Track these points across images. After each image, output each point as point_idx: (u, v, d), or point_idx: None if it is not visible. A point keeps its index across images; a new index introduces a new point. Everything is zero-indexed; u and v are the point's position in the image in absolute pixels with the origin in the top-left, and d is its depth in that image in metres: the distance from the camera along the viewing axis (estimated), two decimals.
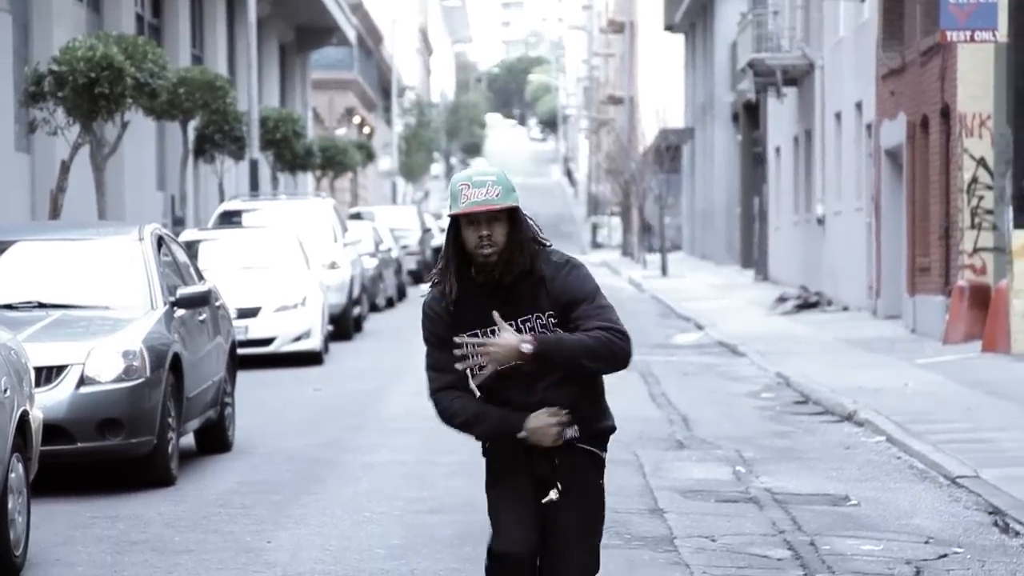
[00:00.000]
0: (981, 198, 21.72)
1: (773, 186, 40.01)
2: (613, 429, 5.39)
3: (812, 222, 34.08)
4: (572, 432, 5.24)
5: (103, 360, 10.95)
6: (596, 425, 5.31)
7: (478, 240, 5.14)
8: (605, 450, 5.36)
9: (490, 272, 5.17)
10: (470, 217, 5.13)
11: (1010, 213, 20.05)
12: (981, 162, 21.67)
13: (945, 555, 9.01)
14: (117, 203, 26.41)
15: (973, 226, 21.75)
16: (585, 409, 5.28)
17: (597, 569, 5.31)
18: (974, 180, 21.78)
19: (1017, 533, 9.65)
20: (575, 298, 5.20)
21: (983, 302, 20.76)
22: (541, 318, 5.21)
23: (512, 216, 5.18)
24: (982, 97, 21.53)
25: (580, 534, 5.26)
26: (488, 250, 5.14)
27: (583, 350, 5.13)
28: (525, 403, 5.22)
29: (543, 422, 5.20)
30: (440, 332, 5.26)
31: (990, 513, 10.28)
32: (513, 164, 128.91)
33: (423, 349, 5.39)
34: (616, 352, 5.18)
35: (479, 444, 5.41)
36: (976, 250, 21.72)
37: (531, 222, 5.27)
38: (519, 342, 5.10)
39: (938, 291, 23.17)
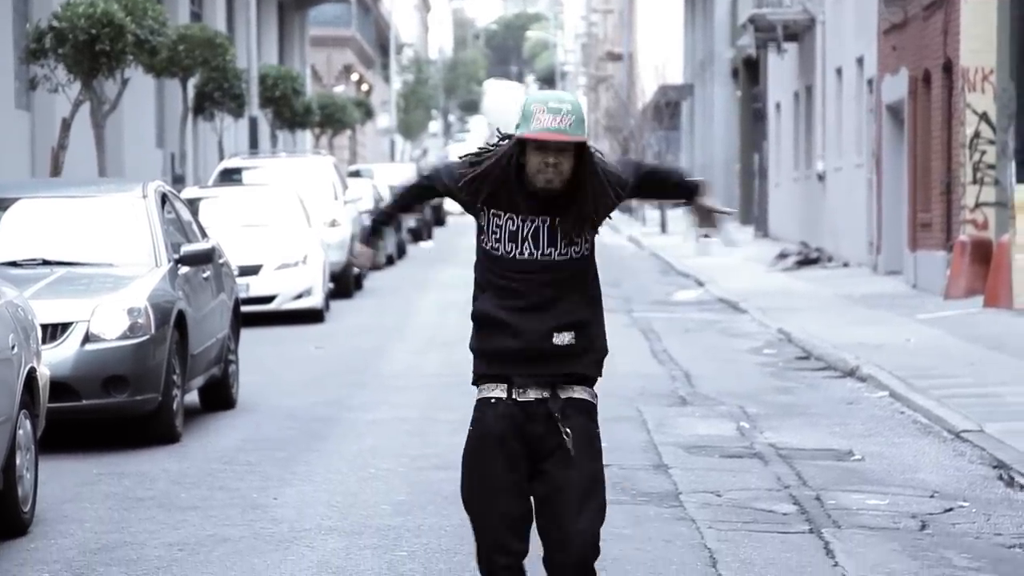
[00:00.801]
0: (983, 153, 21.68)
1: (773, 142, 39.95)
2: (607, 351, 5.39)
3: (812, 178, 34.04)
4: (569, 338, 5.22)
5: (108, 317, 10.95)
6: (598, 342, 5.30)
7: (543, 166, 5.13)
8: (595, 392, 5.34)
9: (546, 195, 5.16)
10: (539, 142, 5.11)
11: (1012, 168, 20.03)
12: (983, 117, 21.62)
13: (950, 509, 9.04)
14: (117, 161, 26.36)
15: (975, 181, 21.72)
16: (590, 323, 5.27)
17: (602, 521, 5.29)
18: (976, 135, 21.74)
19: (1022, 487, 9.68)
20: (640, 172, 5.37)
21: (985, 257, 20.75)
22: (567, 224, 5.21)
23: (580, 150, 5.16)
24: (985, 51, 21.47)
25: (584, 495, 5.24)
26: (552, 177, 5.13)
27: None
28: (532, 303, 5.20)
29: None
30: (446, 180, 5.28)
31: (995, 467, 10.30)
32: (510, 120, 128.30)
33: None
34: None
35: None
36: (978, 205, 21.70)
37: (598, 155, 5.26)
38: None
39: (939, 246, 23.16)
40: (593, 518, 5.26)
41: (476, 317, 5.31)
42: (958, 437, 11.36)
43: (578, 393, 5.27)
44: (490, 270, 5.25)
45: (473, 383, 5.38)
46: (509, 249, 5.21)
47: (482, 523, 5.29)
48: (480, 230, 5.29)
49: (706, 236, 5.59)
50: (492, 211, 5.22)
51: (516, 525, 5.26)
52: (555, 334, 5.21)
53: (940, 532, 8.46)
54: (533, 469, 5.27)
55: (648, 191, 5.45)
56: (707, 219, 5.52)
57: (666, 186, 5.48)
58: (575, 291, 5.28)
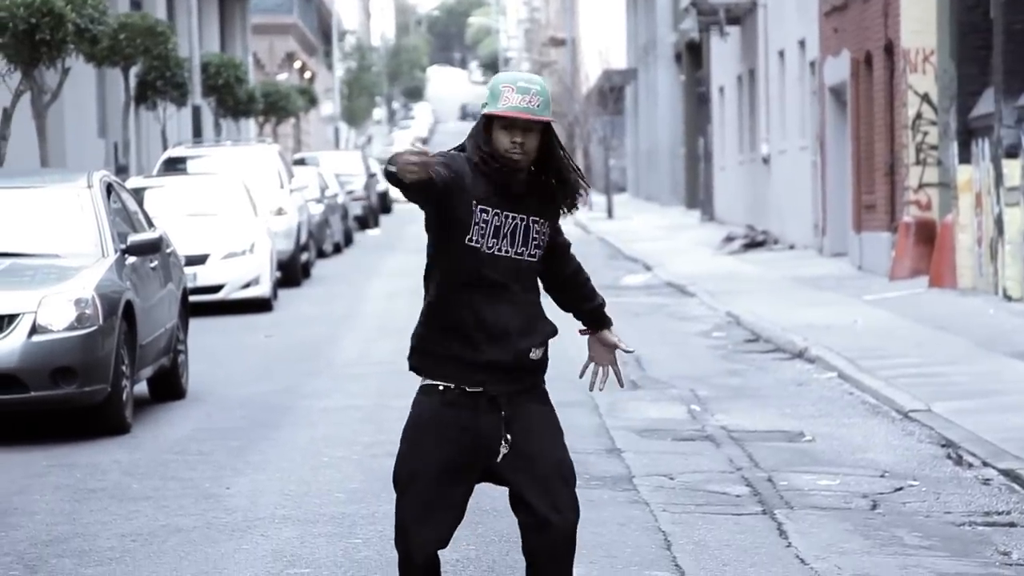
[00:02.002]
0: (925, 134, 21.82)
1: (717, 126, 40.07)
2: (556, 331, 5.35)
3: (757, 161, 34.17)
4: (538, 354, 5.22)
5: (55, 308, 10.88)
6: (548, 329, 5.29)
7: (511, 144, 5.13)
8: (544, 377, 5.31)
9: (510, 175, 5.16)
10: (506, 121, 5.12)
11: (955, 148, 20.16)
12: (925, 98, 21.75)
13: (901, 488, 9.10)
14: (59, 151, 26.16)
15: (918, 162, 21.85)
16: (541, 318, 5.28)
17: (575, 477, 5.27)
18: (918, 116, 21.87)
19: (970, 465, 9.76)
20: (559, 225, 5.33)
21: (929, 238, 20.89)
22: (539, 223, 5.23)
23: (545, 131, 5.19)
24: (925, 32, 21.59)
25: (559, 466, 5.21)
26: (518, 156, 5.14)
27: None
28: (488, 313, 5.16)
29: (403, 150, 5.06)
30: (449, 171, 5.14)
31: (943, 446, 10.38)
32: (454, 108, 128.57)
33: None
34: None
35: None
36: (921, 186, 21.84)
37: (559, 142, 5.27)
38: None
39: (884, 228, 23.30)
40: (572, 492, 5.23)
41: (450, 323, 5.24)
42: (906, 417, 11.44)
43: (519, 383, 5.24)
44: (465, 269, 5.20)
45: (414, 369, 5.28)
46: (491, 245, 5.19)
47: (408, 500, 5.19)
48: (452, 224, 5.18)
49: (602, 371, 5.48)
50: (480, 206, 5.19)
51: (443, 510, 5.18)
52: (533, 349, 5.22)
53: (891, 511, 8.52)
54: (488, 465, 5.19)
55: (553, 265, 5.36)
56: (608, 355, 5.47)
57: (576, 284, 5.46)
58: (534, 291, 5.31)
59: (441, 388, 5.20)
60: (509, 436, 5.17)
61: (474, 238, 5.17)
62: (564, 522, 5.18)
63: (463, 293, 5.19)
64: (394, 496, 5.26)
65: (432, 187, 5.06)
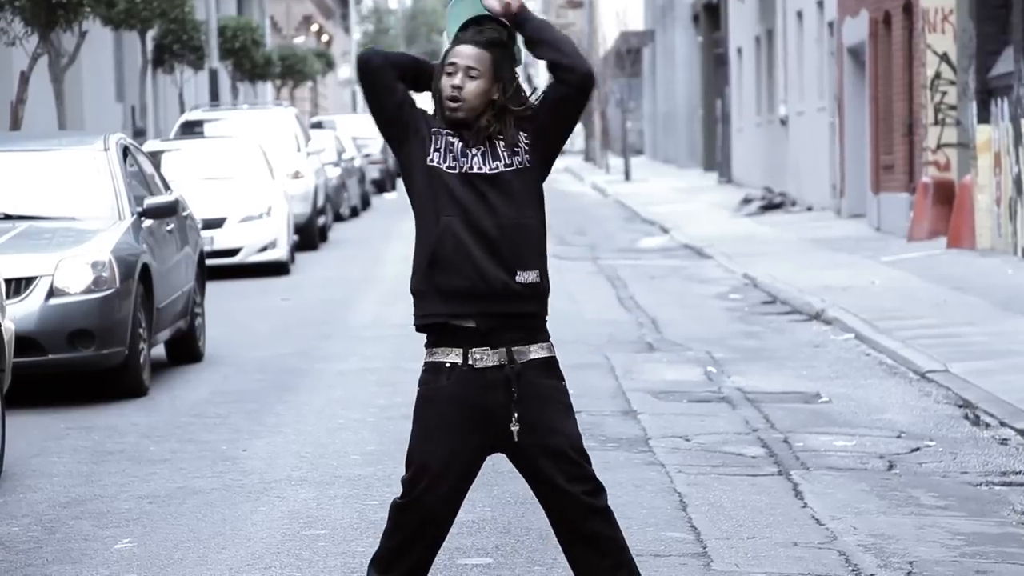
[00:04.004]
0: (944, 94, 21.72)
1: (735, 88, 39.93)
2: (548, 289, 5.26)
3: (775, 123, 34.06)
4: (525, 276, 5.11)
5: (72, 271, 10.90)
6: (544, 284, 5.17)
7: (450, 89, 5.13)
8: (551, 343, 5.22)
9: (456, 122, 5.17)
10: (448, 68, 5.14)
11: (973, 108, 20.07)
12: (944, 57, 21.65)
13: (917, 448, 9.10)
14: (76, 114, 26.19)
15: (936, 122, 21.76)
16: (534, 240, 5.16)
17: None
18: (937, 76, 21.76)
19: (987, 425, 9.75)
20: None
21: (947, 198, 20.82)
22: (514, 135, 5.16)
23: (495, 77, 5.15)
24: None
25: (572, 446, 5.15)
26: (455, 104, 5.14)
27: (558, 35, 5.18)
28: (474, 222, 5.10)
29: None
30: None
31: (960, 406, 10.37)
32: None
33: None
34: (582, 58, 5.19)
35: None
36: (940, 146, 21.74)
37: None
38: None
39: (902, 188, 23.23)
40: (587, 467, 5.17)
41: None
42: (923, 377, 11.43)
43: (535, 353, 5.15)
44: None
45: (427, 342, 5.19)
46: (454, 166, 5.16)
47: (419, 466, 5.11)
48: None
49: None
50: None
51: (453, 483, 5.11)
52: (519, 272, 5.12)
53: (907, 472, 8.52)
54: (499, 441, 5.13)
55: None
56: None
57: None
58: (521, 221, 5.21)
59: (448, 365, 5.11)
60: (517, 415, 5.10)
61: (434, 159, 5.15)
62: (588, 493, 5.13)
63: (431, 218, 5.13)
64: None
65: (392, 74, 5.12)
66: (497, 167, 5.14)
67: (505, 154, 5.15)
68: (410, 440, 5.18)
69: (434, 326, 5.15)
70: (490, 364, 5.11)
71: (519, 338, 5.14)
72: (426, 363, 5.18)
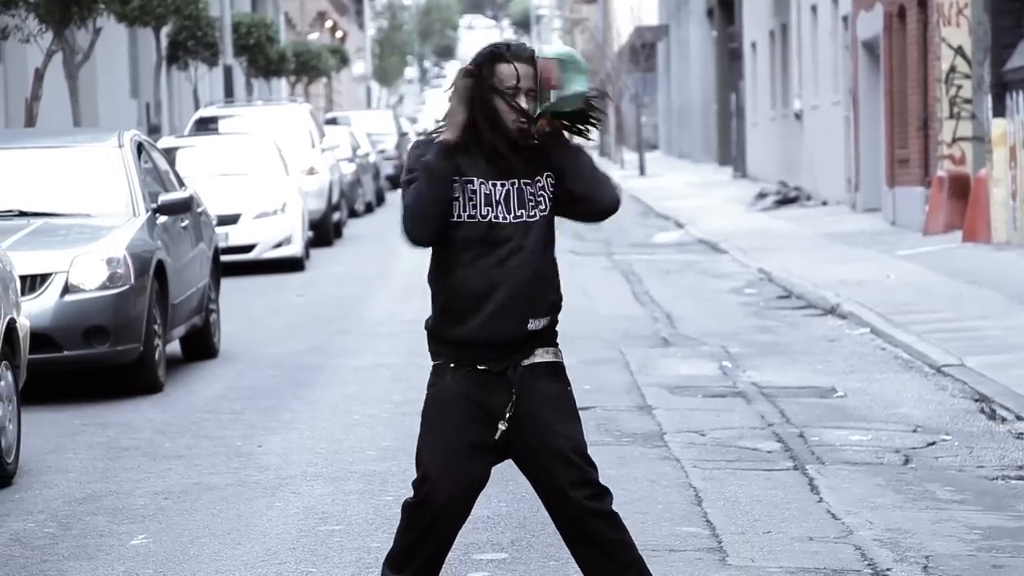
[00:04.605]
0: (959, 87, 21.66)
1: (750, 82, 39.88)
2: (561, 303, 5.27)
3: (790, 117, 34.01)
4: (537, 324, 5.11)
5: (87, 268, 10.92)
6: (558, 302, 5.18)
7: (519, 115, 5.05)
8: (558, 347, 5.21)
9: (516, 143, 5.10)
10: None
11: (989, 102, 20.02)
12: (959, 51, 21.59)
13: (933, 443, 9.08)
14: (91, 111, 26.23)
15: (952, 116, 21.71)
16: (548, 287, 5.16)
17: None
18: (952, 69, 21.71)
19: (1004, 419, 9.72)
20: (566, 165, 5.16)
21: (963, 192, 20.77)
22: (540, 180, 5.14)
23: None
24: None
25: (576, 449, 5.14)
26: (527, 126, 5.07)
27: (586, 163, 5.12)
28: (490, 275, 5.07)
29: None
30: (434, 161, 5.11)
31: (976, 400, 10.34)
32: None
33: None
34: (606, 193, 5.13)
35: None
36: (955, 140, 21.69)
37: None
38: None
39: (917, 182, 23.18)
40: (590, 471, 5.16)
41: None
42: (939, 372, 11.40)
43: (540, 356, 5.14)
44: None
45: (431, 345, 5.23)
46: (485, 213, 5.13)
47: (426, 465, 5.12)
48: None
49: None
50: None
51: (461, 482, 5.10)
52: (531, 320, 5.11)
53: (923, 466, 8.50)
54: (505, 442, 5.14)
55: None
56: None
57: None
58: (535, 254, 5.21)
59: (452, 366, 5.13)
60: (508, 416, 5.09)
61: (455, 210, 5.09)
62: (591, 497, 5.10)
63: (448, 271, 5.13)
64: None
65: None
66: (521, 215, 5.11)
67: (530, 202, 5.11)
68: (418, 441, 5.20)
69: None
70: (491, 368, 5.12)
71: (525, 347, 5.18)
72: (433, 365, 5.22)
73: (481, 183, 5.10)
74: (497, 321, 5.07)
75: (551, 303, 5.16)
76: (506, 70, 5.06)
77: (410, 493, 5.21)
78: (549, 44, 5.29)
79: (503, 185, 5.10)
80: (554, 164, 5.13)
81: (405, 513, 5.22)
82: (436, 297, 5.18)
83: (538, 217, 5.12)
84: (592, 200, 5.13)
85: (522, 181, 5.12)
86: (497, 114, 5.05)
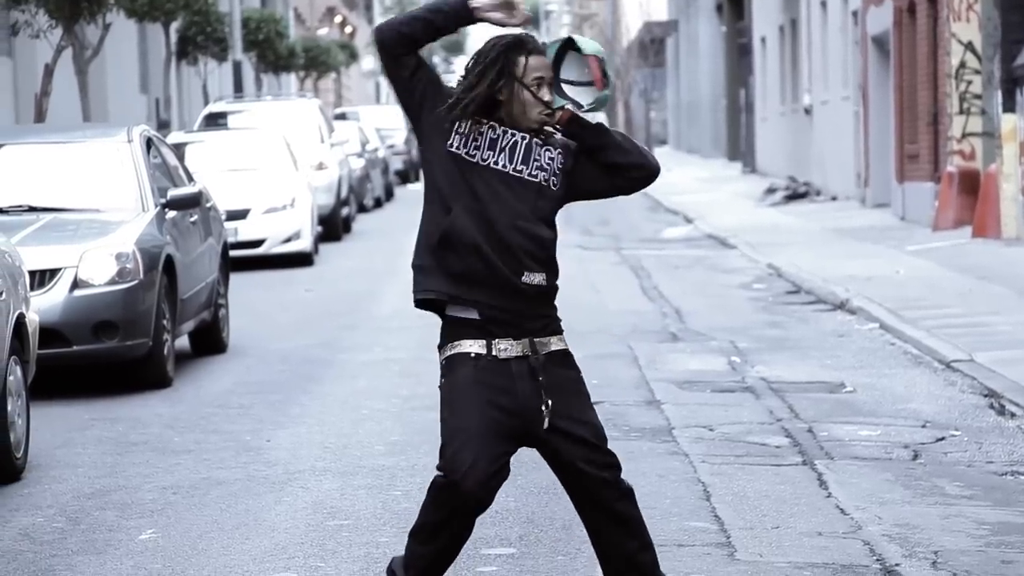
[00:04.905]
0: (969, 83, 21.62)
1: (759, 77, 39.84)
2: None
3: (799, 112, 33.97)
4: (539, 279, 5.18)
5: (96, 263, 10.92)
6: (552, 286, 5.25)
7: (544, 106, 5.16)
8: (564, 338, 5.31)
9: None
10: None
11: (999, 97, 19.98)
12: (969, 46, 21.55)
13: (942, 438, 9.06)
14: (101, 107, 26.25)
15: (962, 111, 21.67)
16: (550, 268, 5.24)
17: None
18: (962, 65, 21.67)
19: (1013, 415, 9.71)
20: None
21: (972, 187, 20.74)
22: (551, 152, 5.21)
23: None
24: None
25: (596, 435, 5.25)
26: (550, 118, 5.18)
27: (616, 134, 5.21)
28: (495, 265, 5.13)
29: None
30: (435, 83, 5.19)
31: (985, 396, 10.33)
32: None
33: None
34: (648, 155, 5.25)
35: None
36: (965, 135, 21.65)
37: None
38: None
39: (927, 178, 23.15)
40: (612, 452, 5.30)
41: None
42: (949, 367, 11.38)
43: (555, 345, 5.25)
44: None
45: (444, 335, 5.22)
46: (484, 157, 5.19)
47: (455, 442, 5.11)
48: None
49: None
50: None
51: (487, 461, 5.11)
52: (526, 273, 5.17)
53: (932, 461, 8.49)
54: (529, 431, 5.18)
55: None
56: None
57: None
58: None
59: (473, 356, 5.15)
60: (550, 401, 5.17)
61: (454, 143, 5.15)
62: (614, 478, 5.25)
63: (446, 206, 5.15)
64: (433, 449, 5.25)
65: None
66: (521, 171, 5.16)
67: (536, 164, 5.17)
68: (441, 428, 5.20)
69: (453, 319, 5.16)
70: (514, 355, 5.16)
71: (538, 329, 5.20)
72: (447, 358, 5.20)
73: (487, 126, 5.18)
74: (494, 262, 5.16)
75: (546, 262, 5.24)
76: (534, 62, 5.15)
77: (421, 483, 5.24)
78: (581, 36, 5.32)
79: (507, 140, 5.19)
80: (586, 146, 5.20)
81: (433, 491, 5.23)
82: (430, 229, 5.25)
83: (539, 181, 5.19)
84: (642, 165, 5.24)
85: (534, 141, 5.21)
86: (523, 104, 5.13)
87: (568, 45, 5.24)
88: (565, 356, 5.26)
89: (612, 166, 5.20)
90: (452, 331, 5.20)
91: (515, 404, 5.15)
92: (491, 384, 5.14)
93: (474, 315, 5.15)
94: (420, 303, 5.27)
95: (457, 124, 5.14)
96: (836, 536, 6.95)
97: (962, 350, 11.70)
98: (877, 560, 6.57)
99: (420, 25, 5.16)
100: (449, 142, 5.14)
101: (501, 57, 5.14)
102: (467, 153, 5.14)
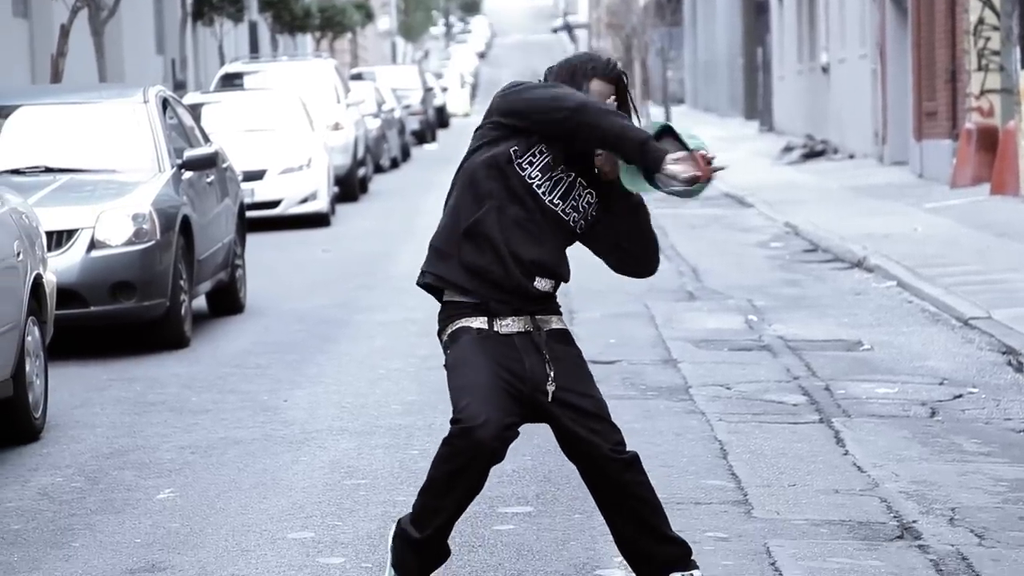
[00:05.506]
0: (988, 39, 21.51)
1: (776, 35, 39.68)
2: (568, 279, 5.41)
3: (817, 70, 33.85)
4: (546, 285, 5.24)
5: (113, 223, 10.94)
6: (565, 273, 5.32)
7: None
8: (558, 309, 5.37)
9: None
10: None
11: (1017, 53, 19.88)
12: (987, 2, 21.43)
13: (960, 395, 9.05)
14: (117, 68, 26.25)
15: (980, 68, 21.57)
16: (564, 264, 5.31)
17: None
18: (980, 21, 21.56)
19: None
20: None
21: (991, 144, 20.65)
22: (590, 195, 5.27)
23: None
24: None
25: (599, 408, 5.28)
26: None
27: (645, 221, 5.31)
28: (526, 250, 5.17)
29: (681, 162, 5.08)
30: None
31: (1003, 353, 10.31)
32: (512, 21, 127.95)
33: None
34: (655, 260, 5.40)
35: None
36: (983, 92, 21.56)
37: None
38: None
39: (945, 135, 23.06)
40: (616, 426, 5.30)
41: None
42: (966, 324, 11.36)
43: (556, 323, 5.29)
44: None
45: (443, 319, 5.25)
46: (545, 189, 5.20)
47: (466, 395, 5.11)
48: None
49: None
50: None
51: (498, 413, 5.11)
52: (537, 279, 5.21)
53: (950, 418, 8.48)
54: (534, 403, 5.20)
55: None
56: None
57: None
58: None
59: (476, 329, 5.18)
60: (554, 373, 5.20)
61: (519, 149, 5.17)
62: (619, 452, 5.26)
63: (500, 215, 5.17)
64: (449, 408, 5.24)
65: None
66: (557, 206, 5.21)
67: (572, 204, 5.21)
68: (451, 392, 5.21)
69: (451, 303, 5.23)
70: (516, 330, 5.22)
71: (539, 309, 5.27)
72: (450, 332, 5.24)
73: (549, 157, 5.21)
74: (510, 265, 5.19)
75: (563, 275, 5.31)
76: (597, 87, 5.19)
77: (437, 443, 5.25)
78: (693, 133, 5.22)
79: (563, 177, 5.21)
80: (611, 211, 5.24)
81: (448, 443, 5.20)
82: (460, 216, 5.24)
83: (570, 225, 5.23)
84: (644, 265, 5.35)
85: (584, 186, 5.25)
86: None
87: (666, 132, 5.14)
88: (565, 334, 5.32)
89: (618, 247, 5.28)
90: (451, 312, 5.26)
91: (522, 370, 5.19)
92: (497, 352, 5.18)
93: (475, 299, 5.20)
94: (424, 285, 5.31)
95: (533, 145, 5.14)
96: (853, 493, 6.95)
97: (980, 307, 11.68)
98: (894, 517, 6.57)
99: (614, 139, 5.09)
100: (514, 146, 5.16)
101: (567, 76, 5.20)
102: (520, 164, 5.16)
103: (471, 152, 5.25)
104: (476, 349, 5.17)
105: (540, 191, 5.18)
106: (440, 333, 5.31)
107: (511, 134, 5.16)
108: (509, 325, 5.21)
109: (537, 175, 5.17)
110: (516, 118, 5.13)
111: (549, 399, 5.21)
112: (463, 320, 5.23)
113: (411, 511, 5.34)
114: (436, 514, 5.26)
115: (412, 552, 5.28)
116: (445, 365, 5.29)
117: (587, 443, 5.25)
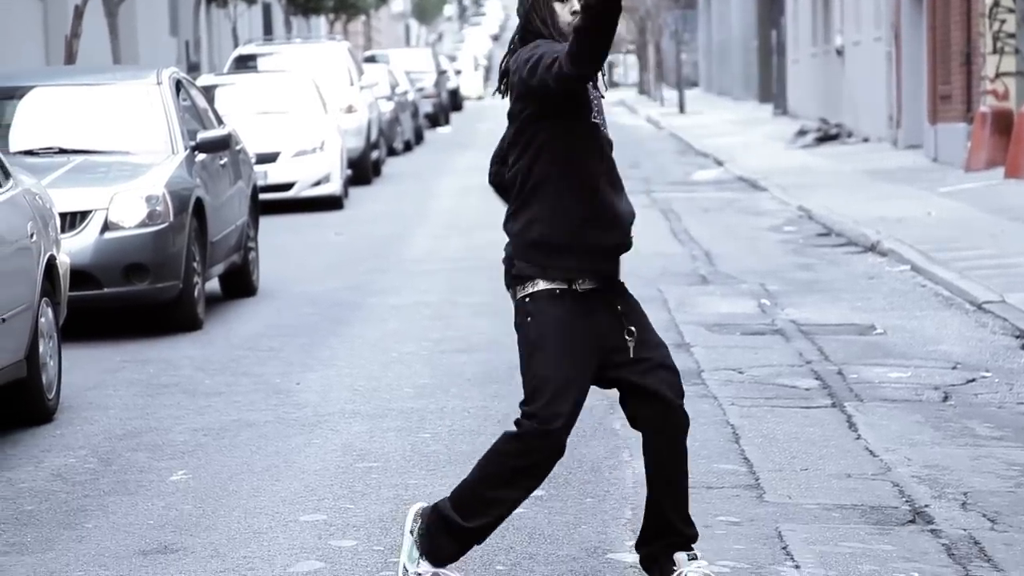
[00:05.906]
0: (1003, 22, 21.44)
1: (791, 18, 39.59)
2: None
3: (831, 53, 33.77)
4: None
5: (126, 205, 10.95)
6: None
7: (571, 17, 5.19)
8: None
9: None
10: None
11: None
12: None
13: (973, 380, 9.04)
14: (131, 49, 26.26)
15: (995, 51, 21.50)
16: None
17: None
18: (996, 3, 21.49)
19: None
20: None
21: (1006, 128, 20.60)
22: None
23: None
24: None
25: (669, 360, 5.30)
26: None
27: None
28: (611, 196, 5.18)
29: None
30: None
31: (1017, 337, 10.29)
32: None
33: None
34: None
35: (505, 288, 5.25)
36: (998, 75, 21.50)
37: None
38: None
39: (960, 118, 23.00)
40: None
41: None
42: (980, 308, 11.34)
43: (620, 275, 5.32)
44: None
45: (516, 280, 5.16)
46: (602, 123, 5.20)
47: (553, 390, 5.07)
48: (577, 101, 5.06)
49: None
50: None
51: (573, 407, 5.11)
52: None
53: (963, 403, 8.47)
54: (606, 360, 5.17)
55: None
56: None
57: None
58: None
59: (558, 292, 5.12)
60: (632, 328, 5.17)
61: (595, 115, 5.16)
62: (682, 405, 5.29)
63: (588, 177, 5.12)
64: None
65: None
66: (606, 131, 5.22)
67: (605, 119, 5.21)
68: (526, 372, 5.13)
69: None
70: (591, 287, 5.17)
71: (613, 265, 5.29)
72: (531, 294, 5.13)
73: (595, 89, 5.19)
74: (628, 228, 5.22)
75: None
76: (559, 8, 5.14)
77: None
78: None
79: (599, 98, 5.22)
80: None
81: (522, 440, 5.11)
82: (573, 204, 5.09)
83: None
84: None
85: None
86: (555, 15, 5.14)
87: None
88: (623, 285, 5.30)
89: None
90: (532, 270, 5.14)
91: (599, 340, 5.15)
92: (577, 323, 5.11)
93: (593, 285, 5.19)
94: (534, 274, 5.17)
95: (590, 88, 5.10)
96: (865, 478, 6.95)
97: (993, 291, 11.66)
98: (906, 501, 6.56)
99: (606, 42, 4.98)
100: (593, 114, 5.12)
101: (527, 21, 5.17)
102: (600, 124, 5.15)
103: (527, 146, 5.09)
104: (559, 329, 5.09)
105: (606, 130, 5.17)
106: (514, 285, 5.18)
107: (552, 105, 5.06)
108: (585, 282, 5.17)
109: (600, 118, 5.17)
110: (533, 98, 5.08)
111: (630, 355, 5.15)
112: (544, 281, 5.14)
113: (453, 498, 5.22)
114: (490, 506, 5.18)
115: (451, 538, 5.19)
116: (521, 332, 5.16)
117: (662, 399, 5.20)
